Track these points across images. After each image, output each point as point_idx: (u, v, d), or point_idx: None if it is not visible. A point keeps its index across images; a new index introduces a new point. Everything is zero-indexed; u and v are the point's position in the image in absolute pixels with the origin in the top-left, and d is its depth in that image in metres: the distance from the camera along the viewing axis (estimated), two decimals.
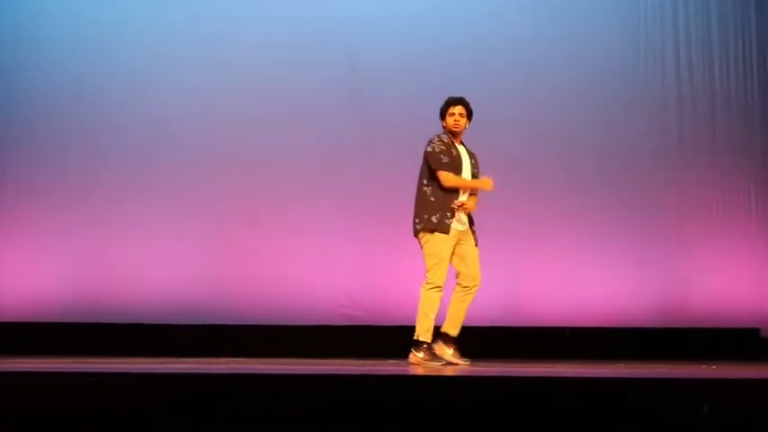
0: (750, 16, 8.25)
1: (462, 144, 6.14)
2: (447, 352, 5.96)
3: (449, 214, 5.92)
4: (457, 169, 5.97)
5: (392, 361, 6.32)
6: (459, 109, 6.06)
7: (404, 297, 7.78)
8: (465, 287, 5.99)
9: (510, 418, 4.10)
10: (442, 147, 5.97)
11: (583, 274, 7.75)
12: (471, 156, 6.12)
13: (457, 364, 5.88)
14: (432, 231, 5.93)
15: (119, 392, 4.13)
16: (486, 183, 6.01)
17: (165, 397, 4.18)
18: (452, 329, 6.01)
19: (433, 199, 5.97)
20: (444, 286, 5.95)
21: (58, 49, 8.17)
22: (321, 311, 7.73)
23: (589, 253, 7.80)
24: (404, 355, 6.71)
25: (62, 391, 4.14)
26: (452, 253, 5.97)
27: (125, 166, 8.02)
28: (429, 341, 5.98)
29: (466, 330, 6.20)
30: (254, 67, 8.06)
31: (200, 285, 7.78)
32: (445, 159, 5.93)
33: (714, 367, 5.92)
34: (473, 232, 6.05)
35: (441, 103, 7.69)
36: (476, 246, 6.03)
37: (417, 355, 5.93)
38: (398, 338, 7.39)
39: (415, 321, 5.98)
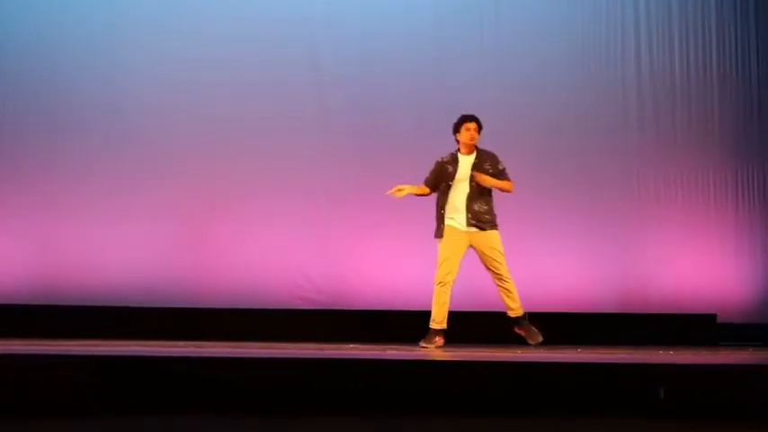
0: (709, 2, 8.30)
1: (477, 150, 6.49)
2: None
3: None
4: (446, 180, 6.45)
5: (351, 345, 6.30)
6: (473, 125, 6.48)
7: (363, 281, 7.79)
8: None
9: (468, 401, 4.11)
10: (437, 166, 6.51)
11: (543, 260, 7.76)
12: (485, 160, 6.48)
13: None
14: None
15: (74, 375, 4.08)
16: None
17: (121, 380, 4.14)
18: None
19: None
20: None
21: (12, 25, 8.01)
22: (280, 295, 7.68)
23: (549, 239, 7.82)
24: (362, 338, 6.71)
25: (16, 374, 4.08)
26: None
27: (83, 148, 7.87)
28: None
29: (426, 315, 6.34)
30: (216, 47, 7.95)
31: (157, 268, 7.69)
32: (429, 176, 6.53)
33: (671, 352, 5.97)
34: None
35: (404, 85, 7.81)
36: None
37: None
38: (357, 322, 7.42)
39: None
